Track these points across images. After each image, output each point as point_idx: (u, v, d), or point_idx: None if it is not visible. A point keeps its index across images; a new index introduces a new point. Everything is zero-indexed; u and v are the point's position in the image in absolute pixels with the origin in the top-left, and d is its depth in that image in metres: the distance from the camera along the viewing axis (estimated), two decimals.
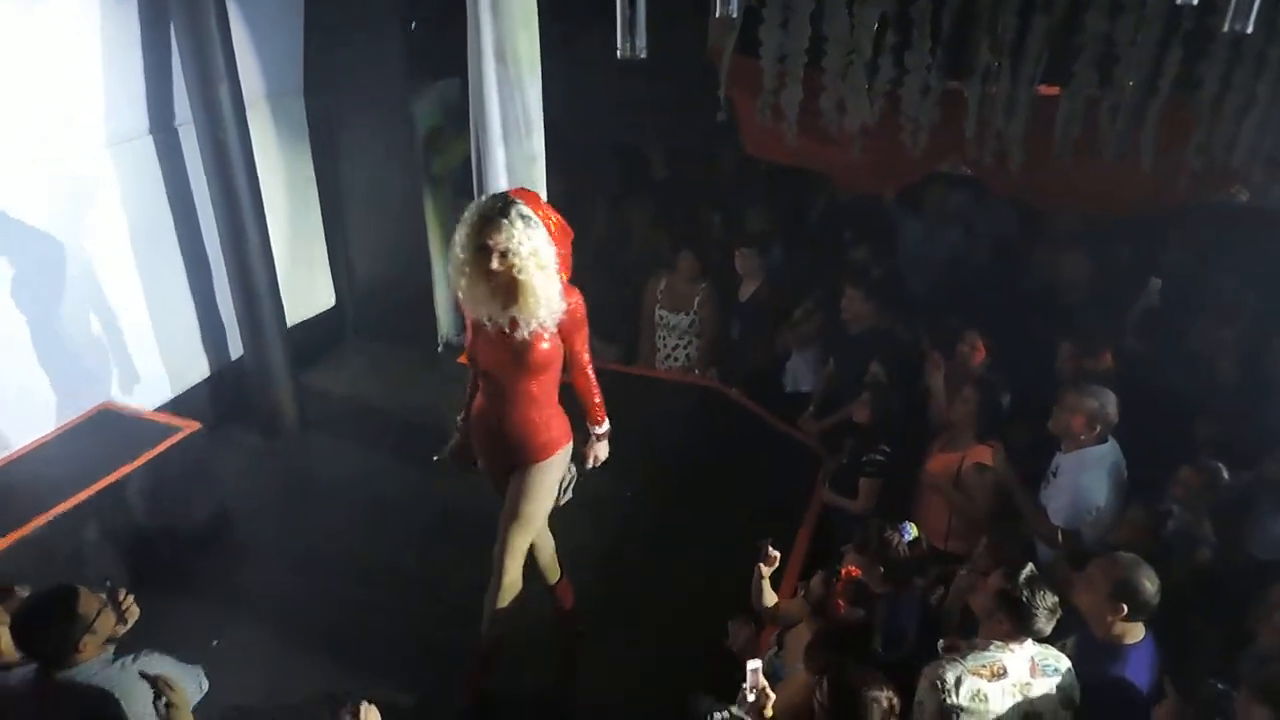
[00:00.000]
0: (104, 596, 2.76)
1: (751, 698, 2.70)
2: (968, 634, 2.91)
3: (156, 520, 4.43)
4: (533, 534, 3.56)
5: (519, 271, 3.00)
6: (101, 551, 4.09)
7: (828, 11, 4.40)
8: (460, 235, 3.07)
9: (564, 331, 3.27)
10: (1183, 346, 4.88)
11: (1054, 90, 4.35)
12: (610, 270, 6.21)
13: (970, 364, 4.60)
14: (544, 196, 4.36)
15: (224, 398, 5.54)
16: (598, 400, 3.58)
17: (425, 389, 5.81)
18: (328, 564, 4.43)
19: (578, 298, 3.28)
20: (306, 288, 6.06)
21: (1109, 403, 3.78)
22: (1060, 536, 3.76)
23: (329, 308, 6.32)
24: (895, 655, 3.07)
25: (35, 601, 2.68)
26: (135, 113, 4.82)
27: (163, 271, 5.17)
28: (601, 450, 3.67)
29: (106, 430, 4.62)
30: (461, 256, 3.07)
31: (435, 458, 3.68)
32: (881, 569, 3.16)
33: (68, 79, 4.42)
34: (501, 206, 2.99)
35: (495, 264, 2.98)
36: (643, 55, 2.72)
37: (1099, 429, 3.79)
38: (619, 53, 2.77)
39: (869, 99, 4.56)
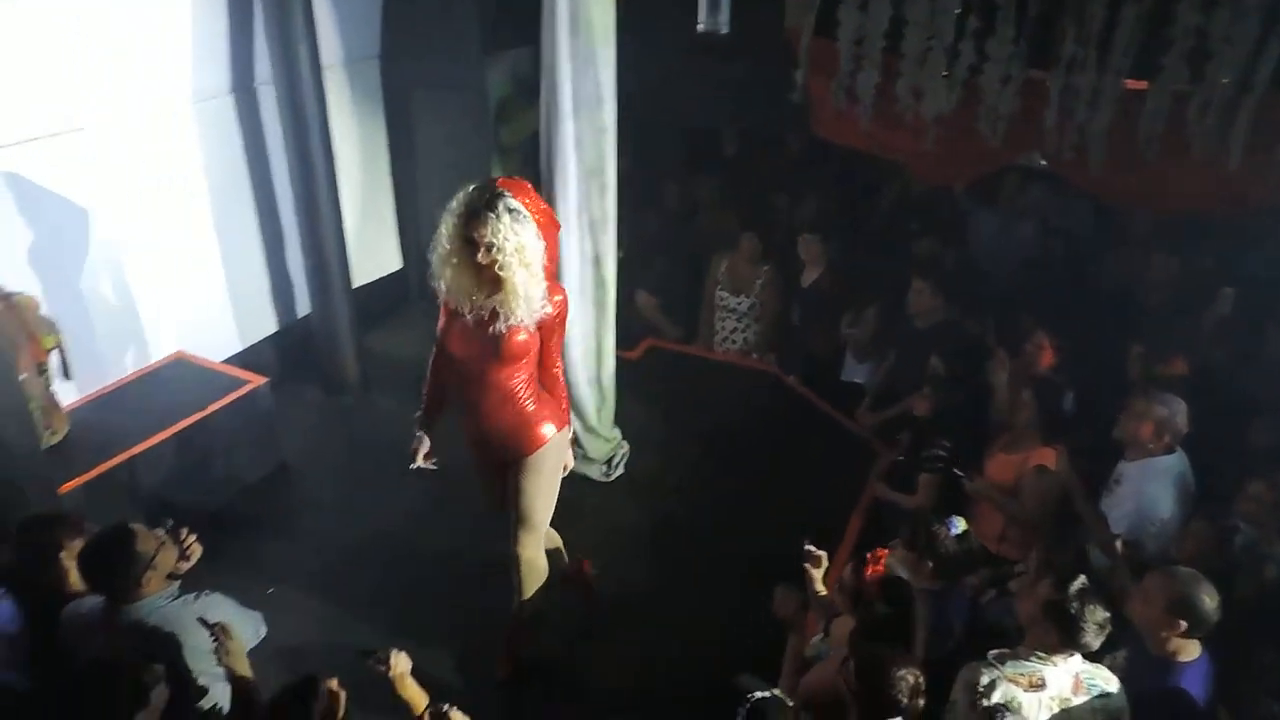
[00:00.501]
0: (162, 534, 2.84)
1: None
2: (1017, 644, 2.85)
3: (221, 468, 4.59)
4: (544, 526, 3.52)
5: (501, 268, 2.94)
6: (168, 493, 4.25)
7: None
8: (446, 226, 3.00)
9: (543, 328, 3.20)
10: (1260, 354, 4.70)
11: (1141, 84, 4.20)
12: (674, 248, 6.21)
13: (1035, 365, 4.49)
14: (613, 168, 4.37)
15: (290, 354, 5.68)
16: (564, 407, 3.51)
17: None
18: (381, 523, 4.53)
19: (563, 296, 3.22)
20: (374, 250, 6.17)
21: (1179, 412, 3.66)
22: (1120, 547, 3.66)
23: (395, 270, 6.43)
24: (939, 652, 3.03)
25: (96, 541, 2.77)
26: (218, 72, 4.94)
27: (237, 227, 5.31)
28: (567, 458, 3.58)
29: (178, 378, 4.78)
30: (448, 248, 3.01)
31: (413, 466, 3.48)
32: (930, 564, 3.11)
33: (157, 36, 4.55)
34: (489, 199, 2.90)
35: (481, 257, 2.93)
36: (725, 30, 2.65)
37: (1167, 438, 3.67)
38: (700, 26, 2.72)
39: (947, 86, 4.46)
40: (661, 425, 5.37)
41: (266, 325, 5.65)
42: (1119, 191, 4.96)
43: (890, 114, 4.70)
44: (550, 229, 3.11)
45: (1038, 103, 4.36)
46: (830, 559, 3.45)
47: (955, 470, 4.20)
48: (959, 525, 3.15)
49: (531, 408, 3.33)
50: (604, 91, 4.20)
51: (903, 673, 2.50)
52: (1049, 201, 5.94)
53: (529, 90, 5.82)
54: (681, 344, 6.12)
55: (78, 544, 2.87)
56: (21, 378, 3.63)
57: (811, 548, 3.30)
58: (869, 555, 3.04)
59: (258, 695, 2.66)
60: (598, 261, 4.57)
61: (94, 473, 4.04)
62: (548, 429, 3.38)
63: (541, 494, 3.44)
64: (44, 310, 4.09)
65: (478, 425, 3.37)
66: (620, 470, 4.99)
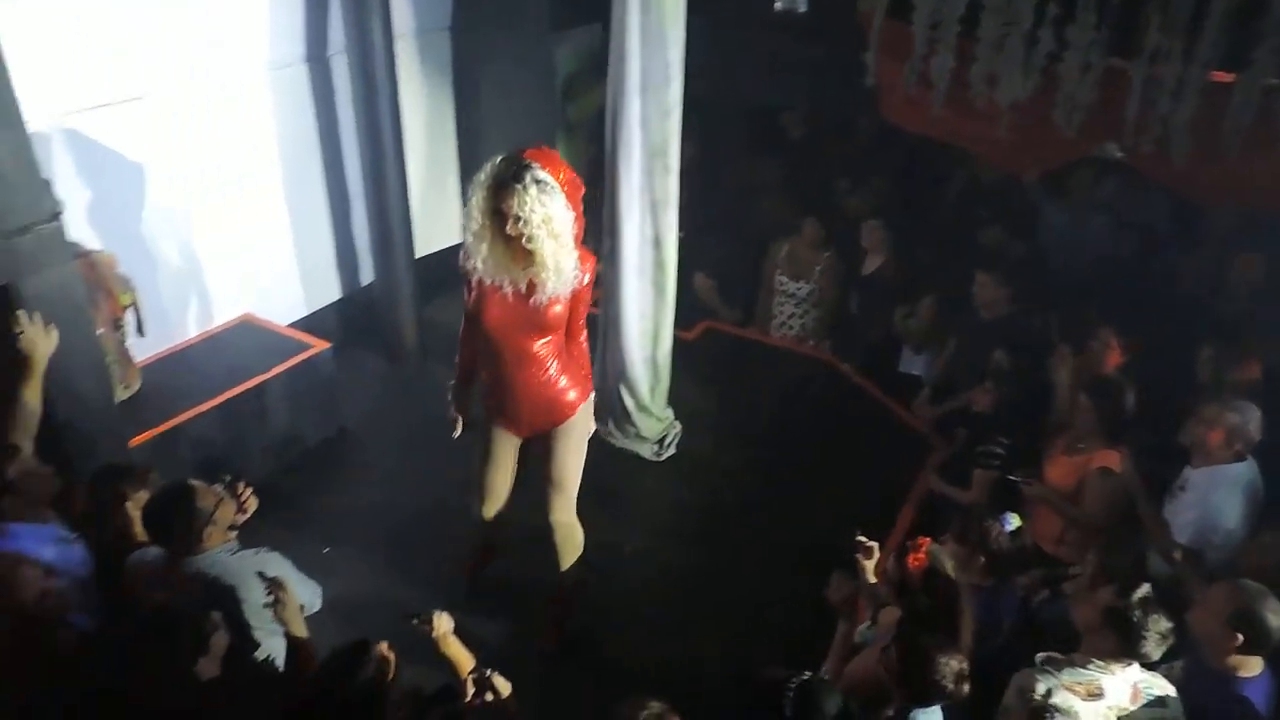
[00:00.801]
0: (220, 489, 2.93)
1: None
2: (1070, 648, 2.79)
3: (283, 429, 4.72)
4: (575, 491, 3.57)
5: (528, 240, 2.94)
6: (232, 450, 4.38)
7: None
8: (476, 199, 3.00)
9: (573, 297, 3.22)
10: None
11: (1228, 77, 4.04)
12: (734, 230, 6.17)
13: (1101, 363, 4.37)
14: (677, 149, 4.35)
15: (353, 321, 5.79)
16: (587, 374, 3.52)
17: None
18: (434, 490, 4.56)
19: (591, 263, 3.22)
20: (438, 221, 6.23)
21: (1252, 419, 3.52)
22: (1179, 555, 3.56)
23: (458, 243, 6.48)
24: (987, 649, 3.00)
25: (157, 498, 2.88)
26: (293, 40, 5.03)
27: (306, 194, 5.41)
28: (591, 424, 3.59)
29: (245, 340, 4.91)
30: (478, 221, 3.01)
31: (456, 435, 3.59)
32: (981, 560, 3.07)
33: (239, 4, 4.65)
34: (515, 171, 2.91)
35: (510, 229, 2.94)
36: (802, 9, 2.63)
37: (1238, 446, 3.54)
38: (777, 4, 2.70)
39: (1023, 73, 4.35)
40: (715, 407, 5.36)
41: (331, 292, 5.77)
42: (1201, 186, 4.79)
43: (962, 100, 4.60)
44: (576, 195, 3.10)
45: (1118, 93, 4.23)
46: (881, 549, 3.42)
47: (1012, 477, 4.11)
48: (1012, 522, 3.10)
49: (563, 378, 3.38)
50: (672, 71, 4.17)
51: (946, 659, 2.47)
52: (1124, 195, 5.76)
53: (597, 67, 5.82)
54: (738, 327, 6.10)
55: (143, 495, 2.98)
56: (98, 333, 3.76)
57: (863, 538, 3.28)
58: (909, 544, 3.01)
59: (312, 654, 2.74)
60: (658, 243, 4.56)
61: (163, 427, 4.18)
62: (576, 396, 3.44)
63: (573, 460, 3.51)
64: (121, 269, 4.22)
65: (508, 396, 3.40)
66: (672, 450, 5.00)
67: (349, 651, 2.43)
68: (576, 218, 3.07)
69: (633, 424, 4.93)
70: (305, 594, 2.95)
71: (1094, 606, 2.69)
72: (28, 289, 3.13)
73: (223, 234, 4.97)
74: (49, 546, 2.86)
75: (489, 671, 2.53)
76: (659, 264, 4.61)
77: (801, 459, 4.95)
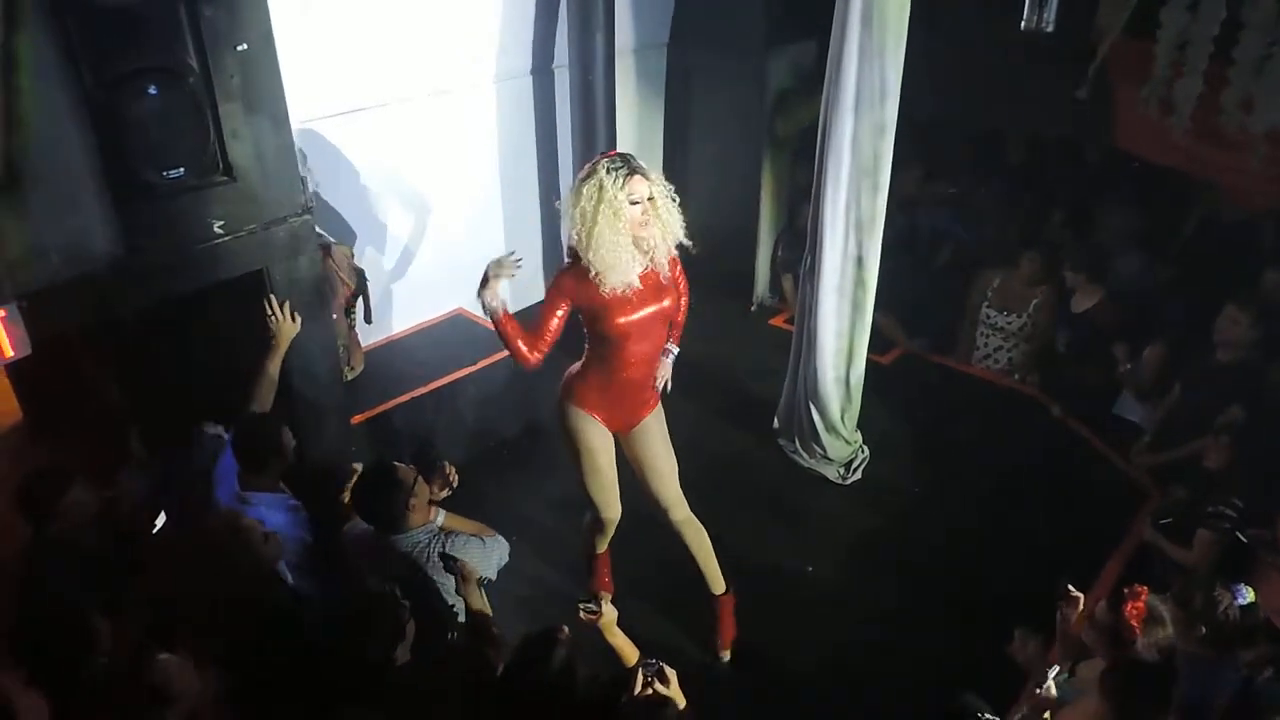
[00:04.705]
0: (415, 467, 3.14)
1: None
2: None
3: (482, 418, 4.98)
4: (676, 479, 3.67)
5: (661, 210, 3.16)
6: (436, 434, 4.66)
7: None
8: (606, 201, 3.09)
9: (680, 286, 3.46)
10: None
11: None
12: (933, 255, 5.95)
13: None
14: (888, 168, 4.26)
15: None
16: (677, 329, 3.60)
17: (736, 345, 5.98)
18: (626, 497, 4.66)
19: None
20: None
21: None
22: None
23: None
24: None
25: (364, 480, 3.13)
26: (521, 54, 5.32)
27: (520, 200, 5.70)
28: (666, 369, 3.59)
29: (457, 334, 5.24)
30: (611, 217, 3.11)
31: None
32: (1203, 630, 2.81)
33: (470, 20, 4.97)
34: (628, 160, 3.15)
35: (644, 211, 3.14)
36: (1050, 29, 2.55)
37: None
38: (1024, 24, 2.63)
39: None
40: (907, 436, 5.19)
41: (536, 293, 6.01)
42: None
43: (1208, 127, 4.24)
44: None
45: None
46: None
47: (1245, 539, 3.72)
48: (1247, 595, 2.82)
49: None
50: (888, 88, 4.08)
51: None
52: None
53: (809, 82, 5.79)
54: (936, 355, 5.87)
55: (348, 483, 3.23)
56: (333, 318, 4.11)
57: (1071, 587, 3.08)
58: (1127, 591, 2.79)
59: (493, 631, 2.88)
60: (860, 262, 4.47)
61: (381, 408, 4.52)
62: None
63: (664, 446, 3.62)
64: (356, 261, 4.61)
65: (613, 392, 3.47)
66: (858, 476, 4.89)
67: (541, 638, 2.53)
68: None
69: (820, 445, 4.85)
70: (494, 556, 3.14)
71: None
72: (278, 274, 3.48)
73: (443, 233, 5.31)
74: (281, 513, 3.17)
75: (657, 662, 2.58)
76: (859, 282, 4.52)
77: (997, 497, 4.70)
